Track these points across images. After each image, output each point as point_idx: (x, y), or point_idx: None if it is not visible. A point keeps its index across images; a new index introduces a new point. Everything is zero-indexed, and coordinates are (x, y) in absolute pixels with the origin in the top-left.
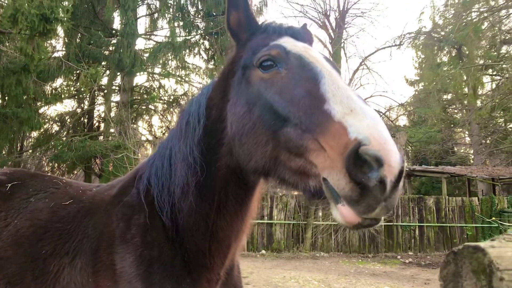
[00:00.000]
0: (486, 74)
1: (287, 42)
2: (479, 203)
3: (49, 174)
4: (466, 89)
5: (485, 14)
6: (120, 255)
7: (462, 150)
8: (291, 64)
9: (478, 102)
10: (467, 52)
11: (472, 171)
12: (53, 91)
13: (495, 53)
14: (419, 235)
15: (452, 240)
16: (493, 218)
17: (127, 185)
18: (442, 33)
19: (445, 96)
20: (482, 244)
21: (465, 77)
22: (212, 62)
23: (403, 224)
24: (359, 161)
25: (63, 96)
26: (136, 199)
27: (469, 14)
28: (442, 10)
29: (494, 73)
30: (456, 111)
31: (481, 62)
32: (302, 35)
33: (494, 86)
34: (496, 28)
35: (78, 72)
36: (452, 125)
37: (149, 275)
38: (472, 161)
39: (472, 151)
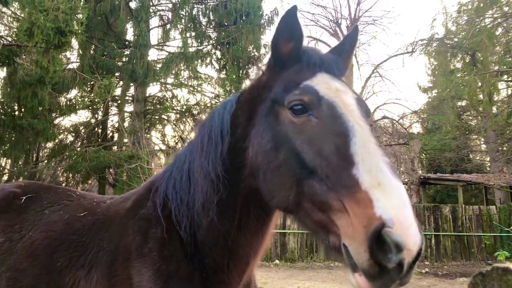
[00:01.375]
0: (501, 80)
1: (321, 84)
2: (497, 211)
3: (63, 185)
4: (481, 96)
5: (499, 20)
6: (137, 269)
7: (478, 158)
8: (323, 113)
9: (494, 109)
10: (481, 59)
11: (489, 178)
12: (68, 102)
13: (510, 59)
14: (435, 244)
15: (469, 249)
16: None
17: (142, 197)
18: (455, 39)
19: (459, 103)
20: None
21: (479, 84)
22: (224, 72)
23: None
24: (381, 242)
25: (77, 107)
26: (152, 212)
27: (482, 20)
28: (455, 16)
29: (510, 79)
30: (471, 118)
31: (496, 68)
32: (338, 65)
33: (510, 92)
34: (511, 34)
35: (92, 83)
36: (467, 132)
37: None
38: (488, 169)
39: (488, 159)
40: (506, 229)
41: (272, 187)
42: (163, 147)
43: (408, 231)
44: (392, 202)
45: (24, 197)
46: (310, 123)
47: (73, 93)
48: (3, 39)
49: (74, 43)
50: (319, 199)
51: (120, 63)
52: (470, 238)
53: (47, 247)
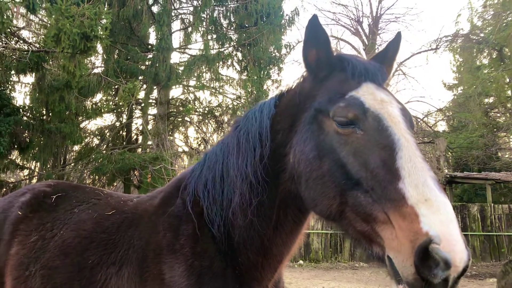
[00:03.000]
0: None
1: (366, 95)
2: None
3: (90, 186)
4: (509, 92)
5: None
6: (169, 265)
7: (507, 156)
8: (369, 125)
9: None
10: (509, 54)
11: None
12: (93, 106)
13: None
14: None
15: (499, 249)
16: None
17: (170, 195)
18: (481, 35)
19: (486, 100)
20: None
21: (507, 79)
22: (245, 73)
23: None
24: (428, 257)
25: (102, 110)
26: (182, 210)
27: (509, 14)
28: (481, 11)
29: None
30: (498, 114)
31: None
32: (382, 74)
33: None
34: None
35: (116, 87)
36: (495, 130)
37: (200, 286)
38: None
39: None
40: None
41: (314, 195)
42: (186, 149)
43: (455, 248)
44: (439, 218)
45: (55, 196)
46: (355, 135)
47: (98, 97)
48: (31, 45)
49: (99, 48)
50: (364, 211)
51: (143, 67)
52: (500, 238)
53: (78, 245)
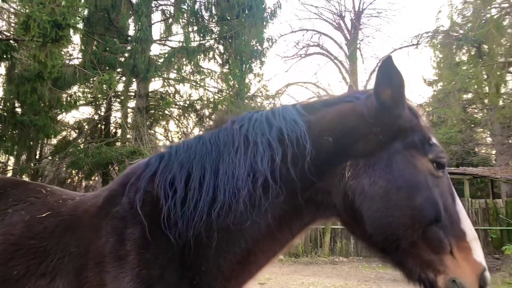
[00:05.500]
0: (508, 72)
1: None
2: (503, 205)
3: (36, 182)
4: (487, 88)
5: (508, 10)
6: (112, 274)
7: (483, 151)
8: (445, 171)
9: (500, 101)
10: (487, 50)
11: (495, 172)
12: (68, 98)
13: None
14: None
15: None
16: None
17: (115, 193)
18: (461, 31)
19: (465, 96)
20: None
21: (486, 76)
22: (227, 66)
23: None
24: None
25: (78, 103)
26: (128, 210)
27: (489, 11)
28: (460, 8)
29: None
30: (476, 110)
31: (503, 60)
32: None
33: None
34: None
35: (94, 79)
36: (473, 125)
37: None
38: (494, 162)
39: (494, 152)
40: None
41: (393, 222)
42: (168, 143)
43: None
44: (481, 253)
45: None
46: (441, 179)
47: (75, 89)
48: (1, 34)
49: (75, 38)
50: (437, 243)
51: (122, 59)
52: (477, 232)
53: (2, 253)
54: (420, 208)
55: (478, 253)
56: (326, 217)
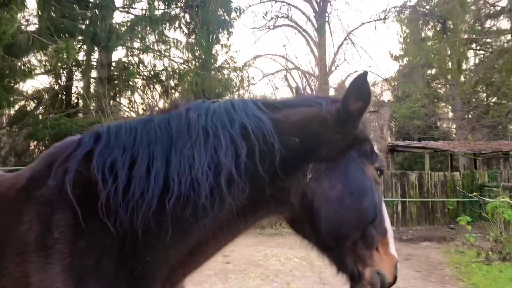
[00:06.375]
0: (470, 48)
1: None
2: (460, 177)
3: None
4: (450, 64)
5: None
6: (38, 265)
7: (445, 125)
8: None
9: (462, 77)
10: (451, 27)
11: (454, 146)
12: (22, 67)
13: (480, 28)
14: (401, 210)
15: (434, 214)
16: (474, 194)
17: (39, 174)
18: (427, 7)
19: (429, 71)
20: None
21: (449, 52)
22: (193, 36)
23: (386, 199)
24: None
25: (33, 72)
26: (56, 193)
27: None
28: None
29: (478, 47)
30: (440, 86)
31: (466, 36)
32: None
33: (478, 60)
34: (481, 2)
35: (51, 47)
36: (435, 100)
37: None
38: (454, 136)
39: (455, 126)
40: (469, 194)
41: (344, 223)
42: (134, 115)
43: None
44: (394, 246)
45: None
46: (379, 185)
47: (32, 58)
48: None
49: (30, 2)
50: (371, 241)
51: (83, 26)
52: (435, 203)
53: None
54: (365, 210)
55: (393, 247)
56: (281, 213)
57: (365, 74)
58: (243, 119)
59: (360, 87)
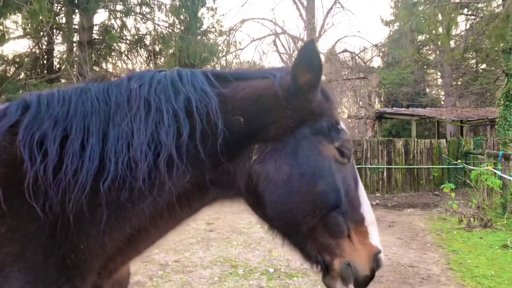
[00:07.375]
0: (462, 14)
1: (346, 129)
2: (446, 145)
3: None
4: (440, 29)
5: None
6: None
7: (433, 92)
8: (351, 159)
9: (452, 43)
10: None
11: (441, 113)
12: None
13: None
14: (387, 177)
15: (418, 181)
16: (459, 161)
17: None
18: None
19: (419, 37)
20: None
21: (439, 17)
22: None
23: (372, 166)
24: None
25: (6, 36)
26: None
27: None
28: None
29: (469, 12)
30: (430, 52)
31: (457, 1)
32: None
33: (468, 26)
34: None
35: (25, 9)
36: (425, 67)
37: (4, 279)
38: (442, 103)
39: (443, 93)
40: (454, 162)
41: (293, 208)
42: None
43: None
44: (377, 237)
45: None
46: (346, 166)
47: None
48: None
49: None
50: (337, 229)
51: None
52: (420, 170)
53: None
54: (322, 194)
55: (374, 236)
56: (230, 197)
57: (312, 42)
58: (189, 92)
59: (308, 57)
